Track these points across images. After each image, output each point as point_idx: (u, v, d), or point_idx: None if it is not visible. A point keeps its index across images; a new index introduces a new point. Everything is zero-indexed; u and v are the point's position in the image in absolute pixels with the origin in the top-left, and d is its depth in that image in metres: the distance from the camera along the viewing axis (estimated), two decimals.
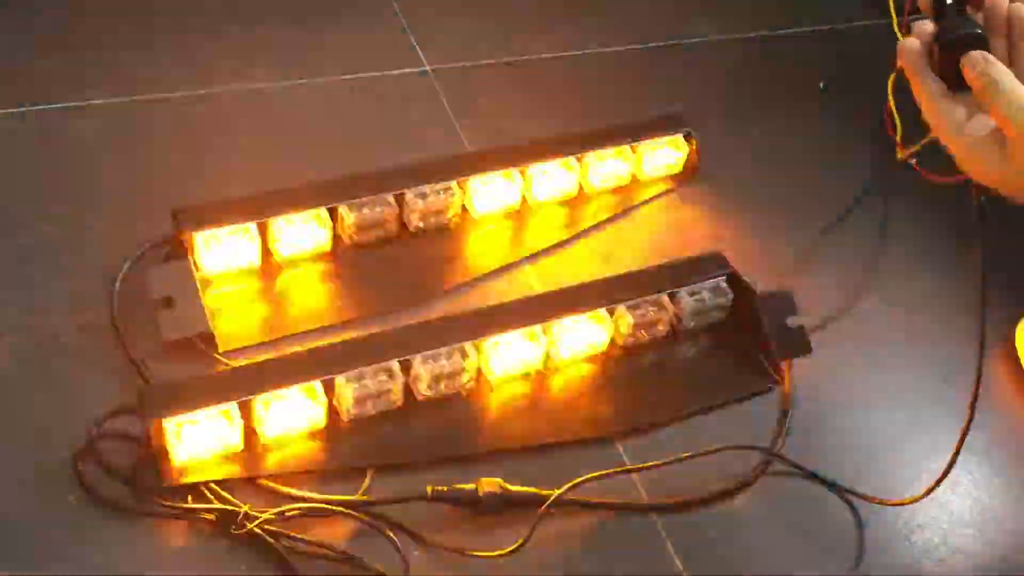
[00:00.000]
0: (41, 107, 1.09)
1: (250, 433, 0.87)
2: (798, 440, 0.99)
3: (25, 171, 1.03)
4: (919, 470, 0.98)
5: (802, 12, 1.46)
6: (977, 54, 0.66)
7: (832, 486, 0.96)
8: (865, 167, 1.28)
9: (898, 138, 1.04)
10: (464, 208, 1.08)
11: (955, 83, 0.68)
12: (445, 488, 0.85)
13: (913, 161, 1.05)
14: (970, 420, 0.82)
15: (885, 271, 1.17)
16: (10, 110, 1.08)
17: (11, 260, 0.96)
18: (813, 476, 0.96)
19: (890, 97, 0.98)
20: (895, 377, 1.07)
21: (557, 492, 0.87)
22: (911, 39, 0.70)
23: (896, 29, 0.86)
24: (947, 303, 1.15)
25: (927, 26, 0.70)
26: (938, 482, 0.88)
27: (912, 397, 1.06)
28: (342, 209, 1.01)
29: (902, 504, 0.94)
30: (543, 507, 0.86)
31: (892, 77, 0.95)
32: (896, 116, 1.02)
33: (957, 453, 0.85)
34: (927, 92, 0.69)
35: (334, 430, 0.90)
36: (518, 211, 1.11)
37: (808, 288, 1.11)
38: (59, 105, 1.10)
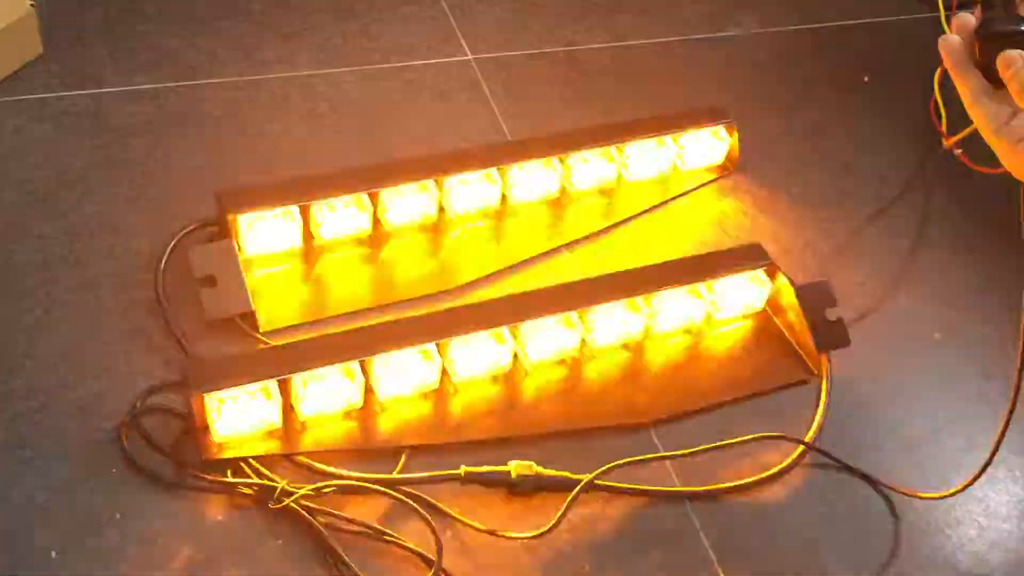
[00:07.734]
0: (92, 91, 1.12)
1: (289, 411, 0.88)
2: (834, 432, 0.98)
3: (76, 152, 1.05)
4: (957, 465, 0.97)
5: (845, 5, 1.45)
6: (1013, 53, 0.64)
7: (867, 479, 0.95)
8: (907, 160, 1.26)
9: (943, 129, 1.03)
10: (503, 196, 1.09)
11: (997, 79, 0.66)
12: (479, 469, 0.86)
13: (959, 151, 1.04)
14: (1010, 416, 0.81)
15: (926, 264, 1.16)
16: (62, 93, 1.11)
17: (61, 238, 0.98)
18: (848, 468, 0.95)
19: (936, 90, 0.97)
20: (934, 371, 1.06)
21: (589, 476, 0.88)
22: (952, 35, 0.68)
23: (943, 23, 0.85)
24: (988, 297, 1.13)
25: (969, 20, 0.69)
26: (976, 477, 0.87)
27: (951, 391, 1.05)
28: (383, 194, 1.02)
29: (939, 498, 0.93)
30: (575, 491, 0.87)
31: (939, 71, 0.95)
32: (942, 108, 1.01)
33: (996, 448, 0.84)
34: (969, 89, 0.67)
35: (371, 410, 0.91)
36: (558, 200, 1.11)
37: (847, 280, 1.10)
38: (110, 89, 1.12)
